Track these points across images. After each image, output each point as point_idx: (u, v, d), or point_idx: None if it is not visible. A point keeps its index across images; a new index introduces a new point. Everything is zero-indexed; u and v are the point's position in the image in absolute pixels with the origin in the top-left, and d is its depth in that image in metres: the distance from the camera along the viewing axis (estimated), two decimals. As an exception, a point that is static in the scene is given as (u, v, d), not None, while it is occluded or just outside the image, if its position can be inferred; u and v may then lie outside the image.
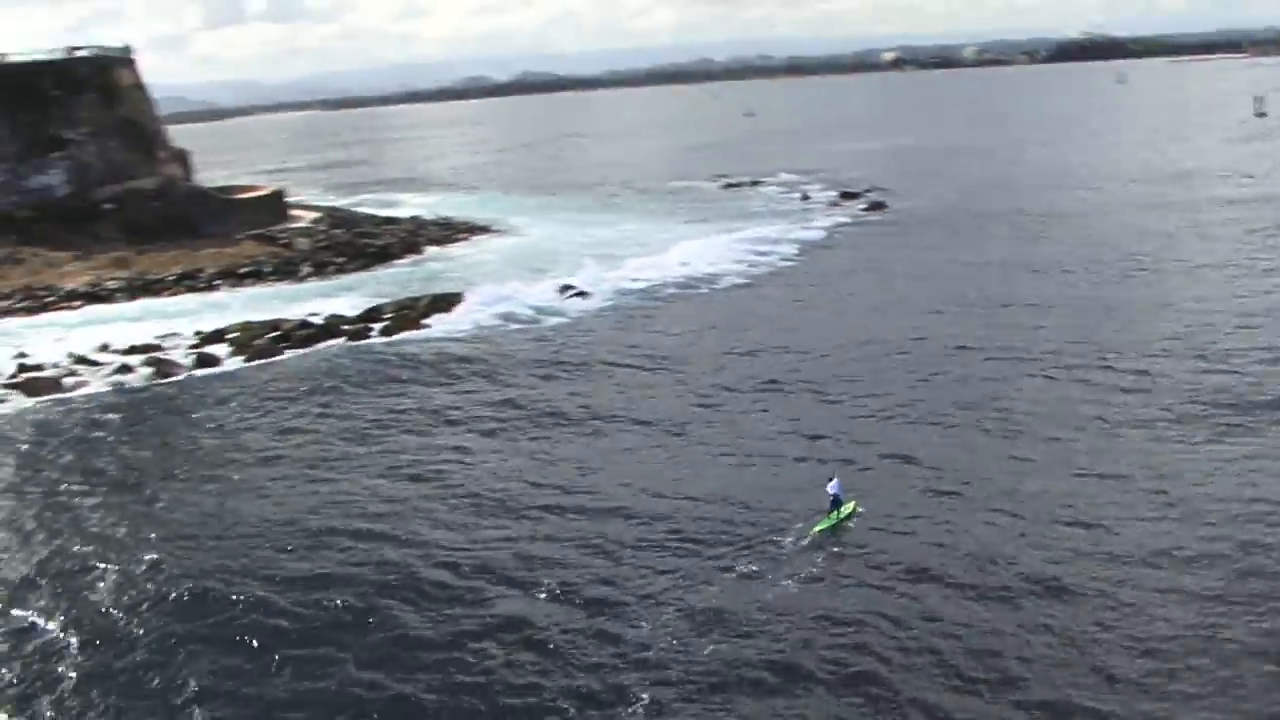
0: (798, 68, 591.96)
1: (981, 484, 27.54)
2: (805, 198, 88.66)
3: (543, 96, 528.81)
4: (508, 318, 50.79)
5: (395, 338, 47.84)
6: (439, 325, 50.00)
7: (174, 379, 43.48)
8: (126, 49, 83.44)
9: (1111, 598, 21.41)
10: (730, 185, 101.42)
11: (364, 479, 30.33)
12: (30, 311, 56.43)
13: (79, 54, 73.94)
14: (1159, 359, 37.12)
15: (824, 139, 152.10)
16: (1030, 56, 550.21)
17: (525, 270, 61.41)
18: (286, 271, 64.64)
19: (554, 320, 50.13)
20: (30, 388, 42.52)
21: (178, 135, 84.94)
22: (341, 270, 65.09)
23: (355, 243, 70.47)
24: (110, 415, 38.73)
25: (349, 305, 53.73)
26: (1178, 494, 26.04)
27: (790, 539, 24.60)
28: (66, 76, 71.57)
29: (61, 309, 56.94)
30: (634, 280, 57.63)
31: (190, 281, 62.29)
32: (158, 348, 47.27)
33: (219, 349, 46.99)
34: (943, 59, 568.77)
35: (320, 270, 64.91)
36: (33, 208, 67.98)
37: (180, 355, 46.27)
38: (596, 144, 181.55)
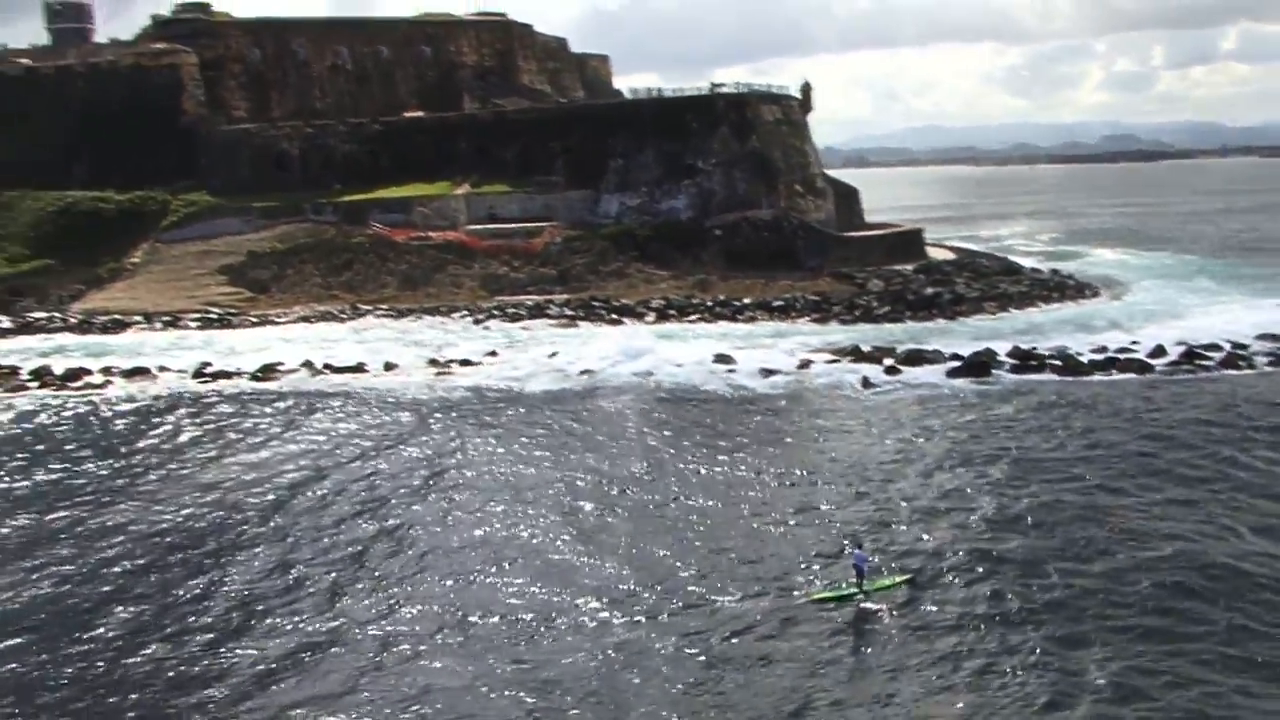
0: None
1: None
2: None
3: None
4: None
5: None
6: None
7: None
8: (805, 86, 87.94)
9: None
10: None
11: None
12: (570, 324, 63.09)
13: (720, 90, 79.81)
14: None
15: None
16: None
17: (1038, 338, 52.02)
18: (816, 310, 62.76)
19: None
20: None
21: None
22: (867, 316, 60.86)
23: (900, 291, 64.93)
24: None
25: (783, 349, 51.96)
26: None
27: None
28: (705, 111, 77.93)
29: (585, 322, 62.95)
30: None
31: (721, 309, 64.01)
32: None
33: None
34: None
35: (846, 313, 61.62)
36: (654, 229, 75.63)
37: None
38: None
